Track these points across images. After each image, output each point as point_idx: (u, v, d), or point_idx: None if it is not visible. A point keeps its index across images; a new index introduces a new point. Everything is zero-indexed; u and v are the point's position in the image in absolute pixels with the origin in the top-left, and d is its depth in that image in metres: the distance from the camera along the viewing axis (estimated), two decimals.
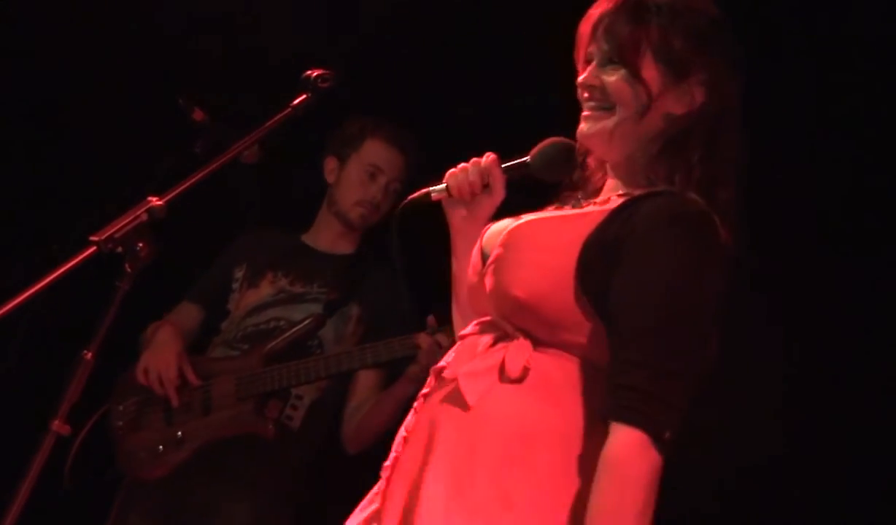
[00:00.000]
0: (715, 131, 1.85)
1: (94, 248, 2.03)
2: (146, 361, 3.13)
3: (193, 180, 2.17)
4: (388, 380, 3.21)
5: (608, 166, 1.97)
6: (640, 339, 1.66)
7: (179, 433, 3.09)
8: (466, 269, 1.99)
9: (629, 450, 1.62)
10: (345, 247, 3.40)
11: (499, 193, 2.01)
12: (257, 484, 3.08)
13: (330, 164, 3.41)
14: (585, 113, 1.91)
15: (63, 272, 2.01)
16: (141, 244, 2.07)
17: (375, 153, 3.34)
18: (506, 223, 1.92)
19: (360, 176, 3.33)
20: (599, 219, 1.75)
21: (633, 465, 1.61)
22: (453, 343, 1.93)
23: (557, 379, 1.75)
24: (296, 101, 2.32)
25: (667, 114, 1.86)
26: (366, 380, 3.23)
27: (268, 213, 3.74)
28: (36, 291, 1.97)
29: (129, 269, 2.08)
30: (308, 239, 3.44)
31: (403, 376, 3.07)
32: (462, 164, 2.00)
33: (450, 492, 1.69)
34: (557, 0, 2.27)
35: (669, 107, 1.86)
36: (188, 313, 3.34)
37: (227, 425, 3.08)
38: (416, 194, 2.02)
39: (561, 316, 1.74)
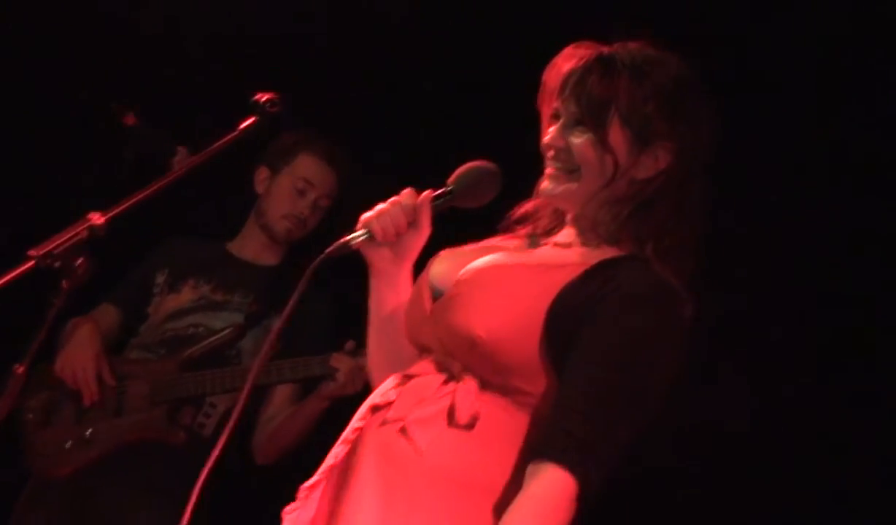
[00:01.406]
0: (681, 197, 1.87)
1: (32, 262, 2.00)
2: (65, 357, 3.10)
3: (136, 199, 2.14)
4: (302, 393, 3.22)
5: (569, 213, 1.97)
6: (589, 393, 1.69)
7: (88, 432, 3.07)
8: (393, 306, 1.98)
9: (560, 493, 1.65)
10: (269, 258, 3.40)
11: (426, 230, 1.93)
12: (164, 491, 3.05)
13: (261, 174, 3.40)
14: (549, 171, 1.91)
15: None
16: (79, 261, 2.05)
17: (307, 168, 3.34)
18: (458, 254, 1.95)
19: (290, 189, 3.33)
20: (572, 275, 1.77)
21: (560, 509, 1.66)
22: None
23: (505, 431, 1.77)
24: (243, 125, 2.31)
25: (632, 179, 1.87)
26: (280, 393, 3.24)
27: (193, 220, 3.72)
28: None
29: (65, 286, 2.05)
30: (233, 248, 3.43)
31: (317, 394, 3.08)
32: (381, 206, 1.90)
33: (382, 520, 1.70)
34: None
35: (634, 172, 1.87)
36: (107, 314, 3.31)
37: (137, 429, 3.07)
38: (334, 246, 1.87)
39: (517, 362, 1.75)
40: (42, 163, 3.66)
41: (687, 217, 1.87)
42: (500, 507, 1.70)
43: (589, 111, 1.84)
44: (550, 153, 1.91)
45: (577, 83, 1.86)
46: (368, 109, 3.61)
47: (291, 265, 3.38)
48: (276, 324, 3.05)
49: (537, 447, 1.70)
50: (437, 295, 1.88)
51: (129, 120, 2.84)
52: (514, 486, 1.70)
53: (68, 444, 3.07)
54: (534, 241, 1.97)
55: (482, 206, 1.94)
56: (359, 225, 1.90)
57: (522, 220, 2.02)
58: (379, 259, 1.95)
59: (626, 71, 1.84)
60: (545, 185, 1.91)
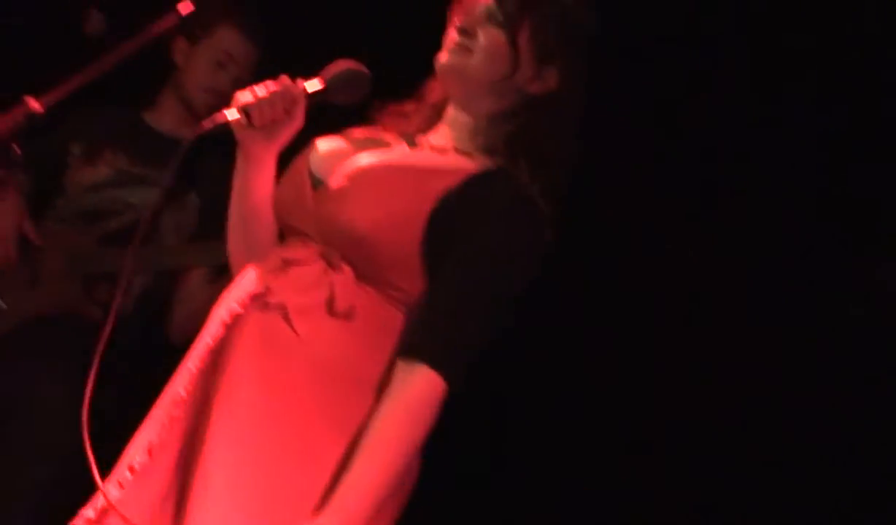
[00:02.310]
0: (560, 120, 2.04)
1: None
2: None
3: (75, 83, 2.08)
4: (217, 274, 3.20)
5: (448, 114, 2.08)
6: (456, 298, 1.85)
7: (1, 303, 3.02)
8: (263, 192, 2.04)
9: (430, 393, 1.80)
10: (188, 132, 3.32)
11: (299, 122, 1.97)
12: (76, 365, 3.03)
13: (179, 44, 3.30)
14: (450, 46, 2.03)
15: None
16: (14, 146, 2.01)
17: (229, 41, 3.26)
18: (338, 145, 2.03)
19: (210, 62, 3.26)
20: (452, 181, 1.90)
21: (429, 408, 1.81)
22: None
23: (380, 325, 1.88)
24: (181, 7, 2.22)
25: (520, 90, 2.03)
26: (196, 273, 3.20)
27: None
28: None
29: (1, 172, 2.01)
30: (150, 119, 3.35)
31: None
32: (259, 90, 1.93)
33: (260, 404, 1.79)
34: None
35: (525, 84, 2.03)
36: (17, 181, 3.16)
37: (52, 301, 3.03)
38: (211, 124, 1.94)
39: (396, 259, 1.88)
40: None
41: (562, 141, 2.02)
42: (371, 401, 1.82)
43: (508, 13, 2.00)
44: (456, 34, 2.03)
45: None
46: None
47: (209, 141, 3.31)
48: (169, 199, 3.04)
49: (406, 345, 1.83)
50: (316, 183, 1.96)
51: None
52: (386, 380, 1.83)
53: None
54: (410, 140, 2.06)
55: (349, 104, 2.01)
56: (235, 103, 1.93)
57: (397, 116, 2.14)
58: (251, 142, 1.98)
59: None
60: (443, 56, 2.03)
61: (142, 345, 3.17)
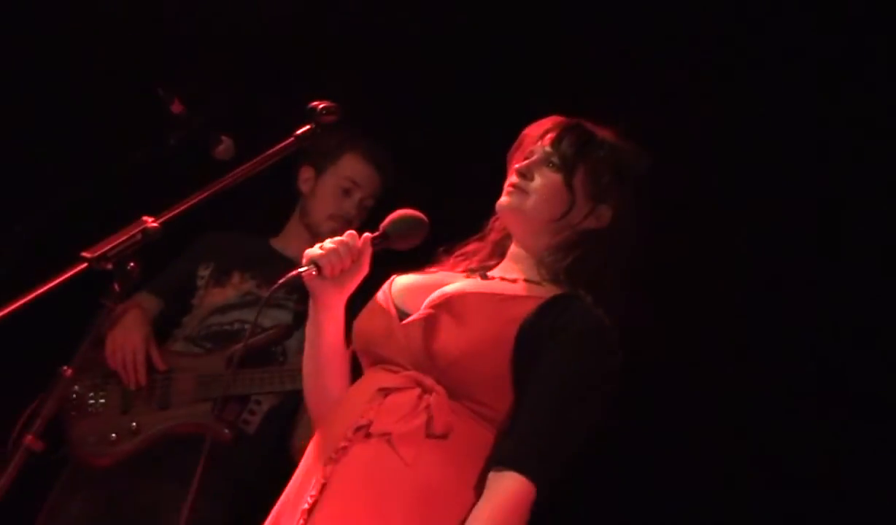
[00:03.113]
0: (613, 250, 2.17)
1: (85, 264, 2.02)
2: (114, 340, 3.10)
3: (191, 202, 2.16)
4: None
5: (511, 250, 2.23)
6: (547, 414, 1.96)
7: (134, 424, 3.09)
8: (335, 337, 2.18)
9: (521, 497, 1.90)
10: None
11: (366, 268, 2.14)
12: (206, 487, 3.06)
13: (305, 173, 3.42)
14: (509, 189, 2.20)
15: (51, 287, 1.98)
16: (132, 264, 2.07)
17: (353, 168, 3.36)
18: (418, 280, 2.18)
19: (335, 190, 3.36)
20: (531, 307, 2.03)
21: (520, 510, 1.90)
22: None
23: (474, 443, 1.99)
24: (299, 131, 2.32)
25: (575, 225, 2.17)
26: None
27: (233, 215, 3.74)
28: (20, 305, 1.95)
29: (117, 288, 2.07)
30: (276, 244, 3.45)
31: None
32: (328, 244, 2.09)
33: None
34: None
35: (580, 221, 2.17)
36: (148, 303, 3.29)
37: (182, 423, 3.09)
38: (286, 277, 2.08)
39: (484, 377, 1.99)
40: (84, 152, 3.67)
41: (618, 269, 2.16)
42: (466, 517, 1.91)
43: (564, 156, 2.17)
44: (515, 176, 2.19)
45: (560, 135, 2.19)
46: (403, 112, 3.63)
47: None
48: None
49: (500, 457, 1.94)
50: (402, 315, 2.09)
51: (176, 107, 2.84)
52: (478, 494, 1.93)
53: (113, 435, 3.08)
54: (481, 273, 2.20)
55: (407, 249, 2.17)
56: (305, 260, 2.10)
57: (462, 254, 2.30)
58: (322, 292, 2.14)
59: (600, 141, 2.20)
60: (503, 199, 2.20)
61: (265, 462, 3.20)
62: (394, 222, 2.15)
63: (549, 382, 1.98)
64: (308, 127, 2.31)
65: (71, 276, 2.02)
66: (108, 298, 2.07)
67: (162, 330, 3.29)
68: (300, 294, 3.25)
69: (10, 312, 1.95)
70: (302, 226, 3.41)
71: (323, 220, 3.36)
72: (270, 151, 2.28)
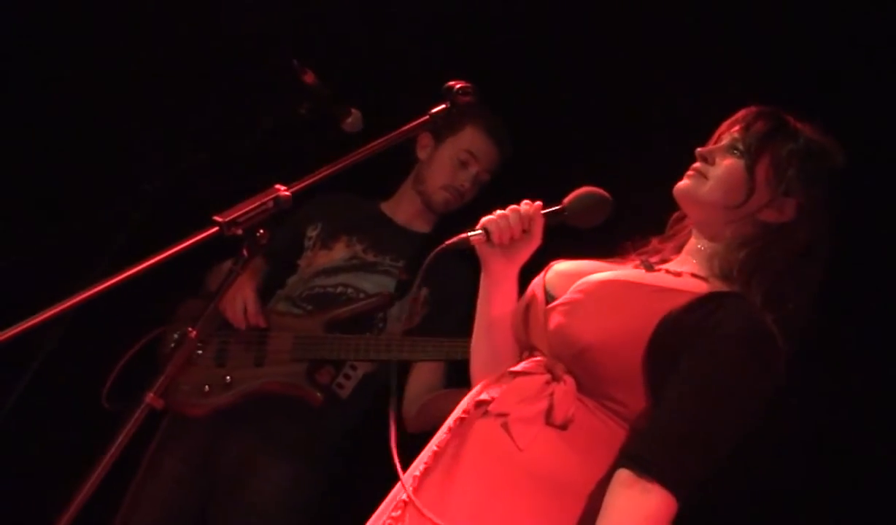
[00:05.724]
0: (799, 254, 2.01)
1: (216, 229, 1.99)
2: (226, 295, 3.08)
3: (323, 174, 2.12)
4: (447, 371, 3.20)
5: (690, 243, 2.12)
6: (688, 420, 1.81)
7: (228, 378, 3.08)
8: (502, 308, 2.11)
9: (666, 515, 1.76)
10: (422, 225, 3.37)
11: (537, 240, 2.08)
12: (297, 447, 3.07)
13: (424, 140, 3.37)
14: (690, 173, 2.09)
15: (182, 249, 1.95)
16: (261, 231, 2.04)
17: (472, 141, 3.31)
18: (576, 266, 2.08)
19: (452, 160, 3.31)
20: (681, 301, 1.89)
21: (661, 521, 1.76)
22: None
23: (597, 437, 1.89)
24: (435, 110, 2.28)
25: (756, 218, 2.04)
26: (428, 371, 3.21)
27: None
28: (150, 265, 1.92)
29: (246, 254, 2.04)
30: (387, 209, 3.42)
31: None
32: (501, 211, 2.04)
33: (479, 508, 1.82)
34: None
35: (761, 212, 2.03)
36: (255, 263, 3.25)
37: (276, 382, 3.07)
38: (455, 239, 2.04)
39: (618, 373, 1.88)
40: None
41: (800, 274, 2.00)
42: (588, 513, 1.81)
43: (750, 142, 2.05)
44: (697, 160, 2.09)
45: (752, 120, 2.08)
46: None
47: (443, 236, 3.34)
48: (414, 301, 3.06)
49: (635, 458, 1.79)
50: (549, 298, 2.02)
51: (308, 78, 2.82)
52: (602, 492, 1.81)
53: (207, 387, 3.07)
54: (648, 265, 2.09)
55: (589, 228, 2.09)
56: (478, 224, 2.04)
57: (640, 250, 2.18)
58: (492, 259, 2.09)
59: (792, 130, 2.07)
60: (682, 182, 2.09)
61: (359, 425, 3.17)
62: (576, 198, 2.08)
63: (692, 384, 1.83)
64: (443, 106, 2.29)
65: (202, 238, 1.98)
66: (237, 263, 2.04)
67: (264, 291, 3.25)
68: (407, 261, 3.22)
69: (138, 272, 1.92)
70: (415, 192, 3.38)
71: (436, 190, 3.32)
72: (404, 128, 2.25)
